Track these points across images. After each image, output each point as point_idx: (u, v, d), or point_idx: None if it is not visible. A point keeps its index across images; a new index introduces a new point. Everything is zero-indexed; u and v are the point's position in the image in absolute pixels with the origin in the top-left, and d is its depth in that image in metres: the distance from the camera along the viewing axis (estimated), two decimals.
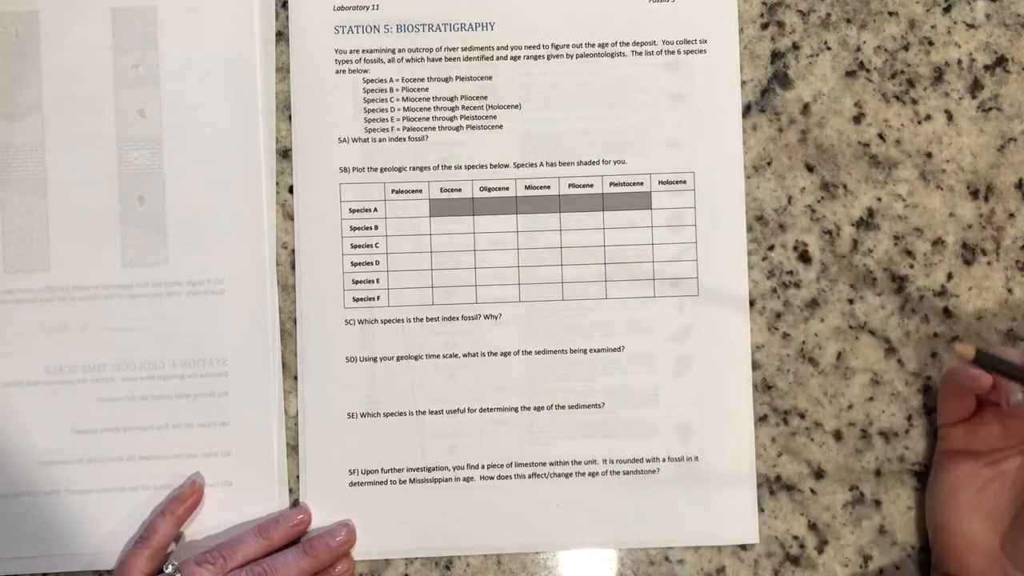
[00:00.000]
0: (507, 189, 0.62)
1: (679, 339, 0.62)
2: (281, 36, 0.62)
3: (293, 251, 0.62)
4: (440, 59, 0.62)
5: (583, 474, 0.61)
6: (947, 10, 0.63)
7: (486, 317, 0.62)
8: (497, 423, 0.62)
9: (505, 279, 0.62)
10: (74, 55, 0.62)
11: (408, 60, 0.62)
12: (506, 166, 0.62)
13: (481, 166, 0.62)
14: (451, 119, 0.62)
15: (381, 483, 0.61)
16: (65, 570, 0.61)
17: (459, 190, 0.62)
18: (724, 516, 0.61)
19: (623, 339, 0.62)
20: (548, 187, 0.62)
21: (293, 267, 0.62)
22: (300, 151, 0.62)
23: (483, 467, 0.61)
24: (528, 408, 0.61)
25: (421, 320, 0.61)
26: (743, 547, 0.62)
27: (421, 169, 0.62)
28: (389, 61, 0.62)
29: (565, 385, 0.62)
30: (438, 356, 0.61)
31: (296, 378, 0.61)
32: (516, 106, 0.62)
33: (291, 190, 0.62)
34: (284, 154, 0.62)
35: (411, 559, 0.61)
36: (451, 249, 0.62)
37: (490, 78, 0.62)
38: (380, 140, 0.62)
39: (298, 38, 0.62)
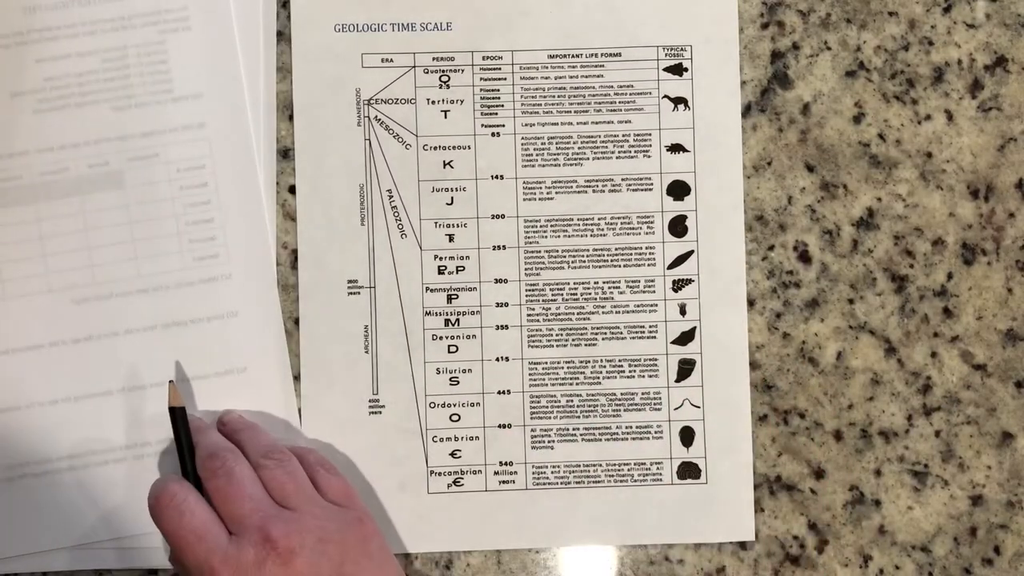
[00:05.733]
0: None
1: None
2: (282, 36, 0.62)
3: (295, 251, 0.62)
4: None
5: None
6: (947, 10, 0.63)
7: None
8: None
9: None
10: None
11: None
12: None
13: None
14: None
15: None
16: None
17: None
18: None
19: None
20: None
21: (293, 267, 0.62)
22: (301, 151, 0.62)
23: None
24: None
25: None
26: (743, 547, 0.62)
27: None
28: None
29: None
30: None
31: (298, 378, 0.61)
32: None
33: (292, 190, 0.62)
34: (284, 154, 0.62)
35: (411, 559, 0.61)
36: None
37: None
38: None
39: (299, 37, 0.62)
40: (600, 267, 0.62)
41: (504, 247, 0.62)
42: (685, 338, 0.62)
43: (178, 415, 0.57)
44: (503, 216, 0.62)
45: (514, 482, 0.62)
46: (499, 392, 0.62)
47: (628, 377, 0.62)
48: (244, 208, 0.61)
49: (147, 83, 0.60)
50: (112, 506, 0.60)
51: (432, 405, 0.61)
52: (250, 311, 0.61)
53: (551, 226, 0.62)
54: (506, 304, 0.62)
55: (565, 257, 0.62)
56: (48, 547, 0.59)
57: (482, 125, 0.62)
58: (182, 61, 0.61)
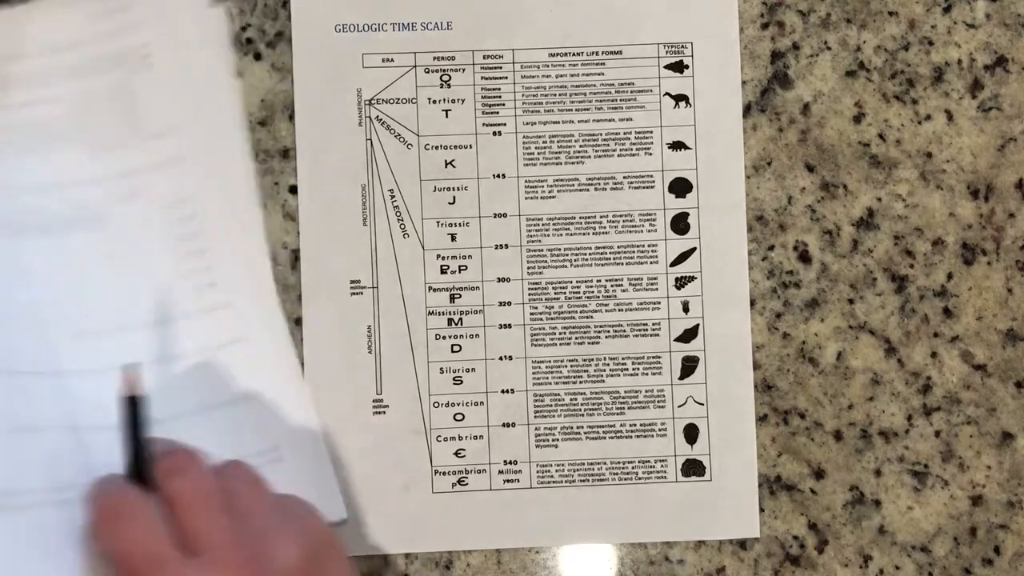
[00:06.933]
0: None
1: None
2: (282, 36, 0.62)
3: (295, 251, 0.61)
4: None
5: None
6: (947, 10, 0.63)
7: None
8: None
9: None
10: None
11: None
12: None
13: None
14: None
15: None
16: None
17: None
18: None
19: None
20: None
21: (293, 267, 0.61)
22: (302, 152, 0.62)
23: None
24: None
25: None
26: (743, 547, 0.62)
27: None
28: None
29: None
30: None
31: None
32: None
33: (292, 190, 0.62)
34: (284, 154, 0.62)
35: (411, 559, 0.61)
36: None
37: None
38: None
39: (299, 38, 0.62)
40: (602, 265, 0.62)
41: (506, 246, 0.62)
42: (688, 335, 0.62)
43: (137, 404, 0.48)
44: (505, 215, 0.62)
45: (519, 481, 0.61)
46: (503, 391, 0.61)
47: (631, 375, 0.62)
48: (236, 234, 0.60)
49: (118, 124, 0.59)
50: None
51: (436, 404, 0.61)
52: (255, 337, 0.60)
53: (553, 224, 0.62)
54: (509, 303, 0.62)
55: (567, 255, 0.62)
56: None
57: (483, 124, 0.62)
58: (150, 98, 0.60)
